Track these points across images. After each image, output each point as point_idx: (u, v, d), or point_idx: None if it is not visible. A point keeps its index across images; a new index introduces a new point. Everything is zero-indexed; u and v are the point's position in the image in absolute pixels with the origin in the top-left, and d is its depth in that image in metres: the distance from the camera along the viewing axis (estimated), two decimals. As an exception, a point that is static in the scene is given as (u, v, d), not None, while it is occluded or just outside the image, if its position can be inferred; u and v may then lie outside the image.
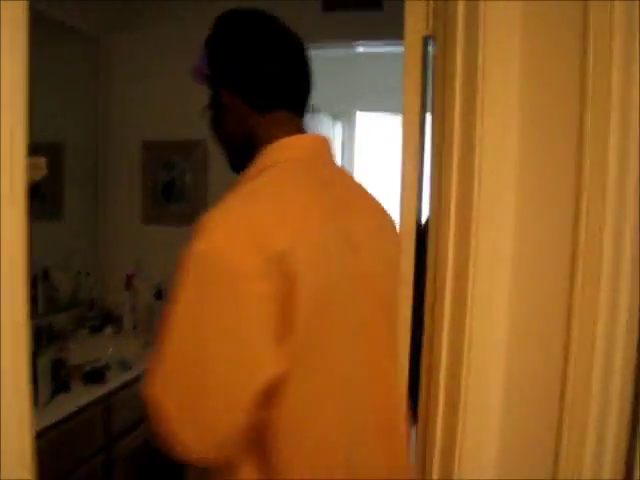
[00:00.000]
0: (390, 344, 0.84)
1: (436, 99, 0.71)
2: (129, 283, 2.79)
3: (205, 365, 0.86)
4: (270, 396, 0.85)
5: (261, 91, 1.02)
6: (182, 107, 2.76)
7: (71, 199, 2.77)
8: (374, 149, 4.27)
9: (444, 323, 0.64)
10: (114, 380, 2.13)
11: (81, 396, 1.98)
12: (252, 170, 1.01)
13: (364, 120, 4.23)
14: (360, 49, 3.13)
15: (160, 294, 2.78)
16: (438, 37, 0.73)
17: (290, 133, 1.01)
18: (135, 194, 2.86)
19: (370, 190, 1.14)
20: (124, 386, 2.16)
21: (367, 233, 1.03)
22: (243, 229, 0.87)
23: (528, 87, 0.61)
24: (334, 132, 3.99)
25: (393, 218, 1.10)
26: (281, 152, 1.00)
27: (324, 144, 1.07)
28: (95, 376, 2.08)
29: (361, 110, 4.21)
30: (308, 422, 0.91)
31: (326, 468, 0.92)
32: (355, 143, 4.24)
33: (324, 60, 3.61)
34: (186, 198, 2.80)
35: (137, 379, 2.22)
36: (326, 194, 0.98)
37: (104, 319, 2.77)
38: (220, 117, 1.12)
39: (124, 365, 2.25)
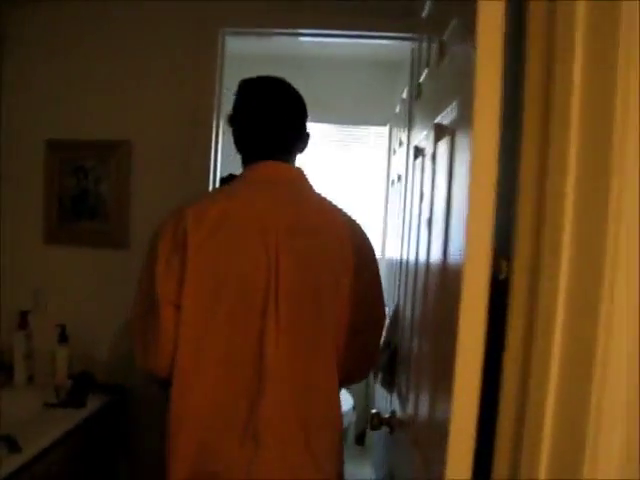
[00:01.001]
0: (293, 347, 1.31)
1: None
2: (24, 321, 2.16)
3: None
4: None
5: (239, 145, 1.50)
6: (100, 98, 2.19)
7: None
8: (319, 160, 3.95)
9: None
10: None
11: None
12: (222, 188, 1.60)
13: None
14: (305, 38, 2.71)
15: (65, 336, 2.17)
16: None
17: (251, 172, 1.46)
18: (35, 206, 2.24)
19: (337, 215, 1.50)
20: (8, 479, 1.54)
21: (284, 231, 1.34)
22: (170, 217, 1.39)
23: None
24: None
25: (342, 236, 1.43)
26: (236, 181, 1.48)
27: (276, 169, 1.45)
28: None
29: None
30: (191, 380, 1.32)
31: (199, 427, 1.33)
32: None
33: (266, 61, 3.24)
34: (101, 213, 2.21)
35: (30, 466, 1.62)
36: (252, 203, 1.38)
37: (-11, 367, 2.14)
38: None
39: (11, 444, 1.63)
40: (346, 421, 3.46)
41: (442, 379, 1.00)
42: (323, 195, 1.52)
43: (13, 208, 2.24)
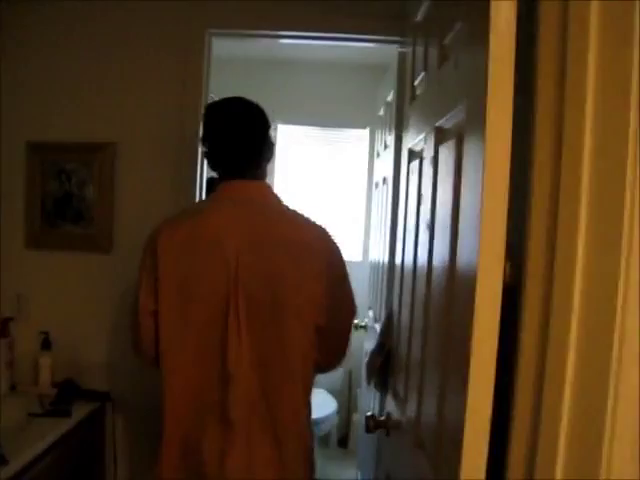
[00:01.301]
0: (238, 326, 1.46)
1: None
2: (5, 329, 2.11)
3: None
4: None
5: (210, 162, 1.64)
6: (84, 99, 2.15)
7: None
8: (297, 163, 3.96)
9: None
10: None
11: None
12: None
13: (287, 133, 3.89)
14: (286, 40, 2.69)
15: (48, 343, 2.12)
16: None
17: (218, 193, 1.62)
18: (16, 210, 2.18)
19: (302, 224, 1.61)
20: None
21: (251, 250, 1.48)
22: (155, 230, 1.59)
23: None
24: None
25: (318, 248, 1.56)
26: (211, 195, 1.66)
27: (245, 187, 1.59)
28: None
29: (284, 123, 3.83)
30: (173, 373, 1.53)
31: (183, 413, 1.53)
32: (275, 154, 3.85)
33: (249, 64, 3.19)
34: (85, 216, 2.16)
35: (18, 479, 1.58)
36: (218, 214, 1.54)
37: (-32, 377, 2.07)
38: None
39: (-4, 455, 1.59)
40: (329, 424, 3.46)
41: (452, 381, 1.01)
42: (290, 208, 1.63)
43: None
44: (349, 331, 1.67)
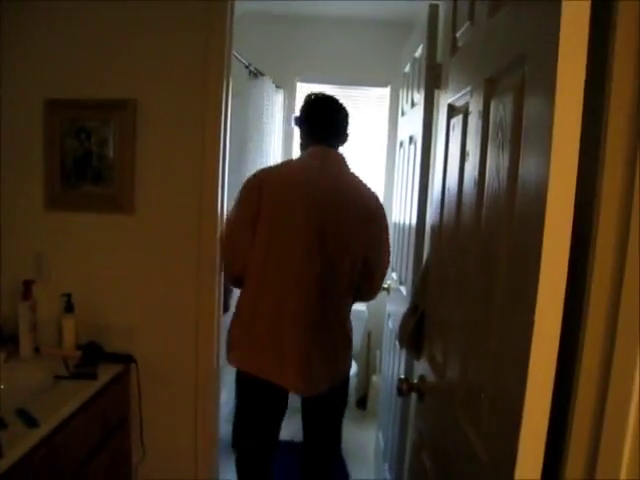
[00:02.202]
0: (317, 276, 2.01)
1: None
2: (28, 291, 2.08)
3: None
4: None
5: (304, 137, 2.23)
6: (104, 55, 2.07)
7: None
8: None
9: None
10: (15, 446, 1.44)
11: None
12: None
13: (307, 91, 3.79)
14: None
15: (71, 305, 2.09)
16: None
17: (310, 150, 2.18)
18: (36, 171, 2.12)
19: (364, 192, 2.19)
20: (29, 454, 1.48)
21: (325, 206, 2.03)
22: (258, 174, 2.12)
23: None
24: (275, 100, 3.41)
25: (371, 216, 2.14)
26: (301, 155, 2.22)
27: (328, 154, 2.16)
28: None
29: (302, 81, 3.74)
30: (260, 277, 2.03)
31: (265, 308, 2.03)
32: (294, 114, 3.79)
33: (269, 20, 3.14)
34: (106, 176, 2.10)
35: (49, 441, 1.56)
36: (308, 173, 2.09)
37: (-8, 339, 2.05)
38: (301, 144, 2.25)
39: (27, 418, 1.56)
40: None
41: (506, 344, 0.96)
42: (355, 173, 2.22)
43: (12, 173, 2.12)
44: (384, 275, 2.30)
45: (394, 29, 3.42)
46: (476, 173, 1.19)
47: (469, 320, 1.20)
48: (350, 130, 2.27)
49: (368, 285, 2.23)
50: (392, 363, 2.67)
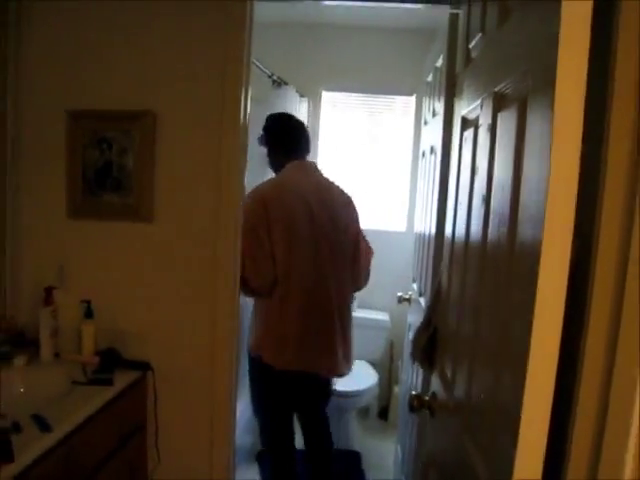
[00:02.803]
0: (330, 265, 2.44)
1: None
2: (49, 297, 2.12)
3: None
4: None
5: (279, 155, 2.56)
6: (124, 66, 2.10)
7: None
8: (340, 131, 3.87)
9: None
10: (26, 451, 1.46)
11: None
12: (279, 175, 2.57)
13: (331, 100, 3.80)
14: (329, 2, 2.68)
15: (90, 312, 2.12)
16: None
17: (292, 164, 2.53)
18: (58, 180, 2.16)
19: (336, 186, 2.63)
20: (40, 460, 1.50)
21: (320, 204, 2.44)
22: (256, 193, 2.38)
23: None
24: (299, 109, 3.41)
25: (347, 201, 2.62)
26: (286, 170, 2.51)
27: (307, 165, 2.60)
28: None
29: (327, 90, 3.74)
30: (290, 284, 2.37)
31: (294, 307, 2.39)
32: (320, 122, 3.79)
33: (292, 29, 3.15)
34: (126, 186, 2.13)
35: (61, 447, 1.58)
36: (299, 183, 2.45)
37: (15, 344, 2.09)
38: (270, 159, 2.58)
39: (41, 423, 1.59)
40: (370, 396, 3.43)
41: (510, 365, 0.93)
42: (329, 178, 2.63)
43: (35, 181, 2.17)
44: (370, 262, 2.69)
45: (419, 37, 3.40)
46: (484, 189, 1.17)
47: (474, 336, 1.17)
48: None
49: (357, 271, 2.62)
50: (411, 375, 2.64)
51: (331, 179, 2.60)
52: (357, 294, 3.75)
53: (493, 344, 1.02)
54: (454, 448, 1.28)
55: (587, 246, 0.86)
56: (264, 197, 2.32)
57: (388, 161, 3.88)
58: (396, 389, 3.71)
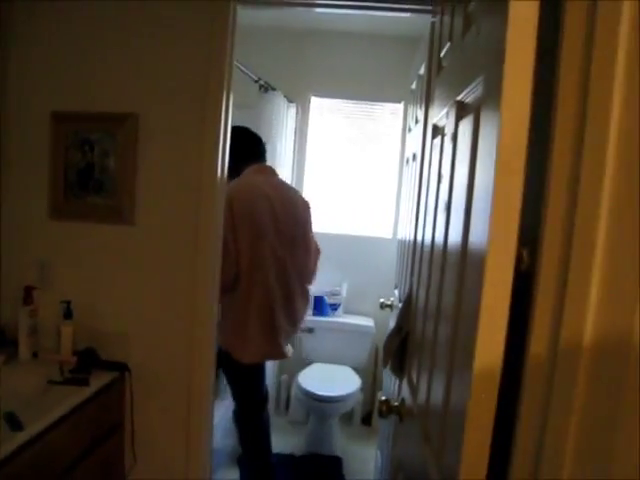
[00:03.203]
0: (291, 260, 2.72)
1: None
2: (29, 296, 2.13)
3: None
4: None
5: (238, 161, 2.66)
6: (107, 69, 2.12)
7: (-49, 184, 2.07)
8: (328, 135, 3.88)
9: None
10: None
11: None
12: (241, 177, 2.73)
13: (319, 106, 3.82)
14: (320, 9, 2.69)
15: (70, 312, 2.13)
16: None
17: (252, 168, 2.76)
18: (40, 181, 2.18)
19: (293, 187, 3.04)
20: (10, 458, 1.51)
21: (281, 202, 2.69)
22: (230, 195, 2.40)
23: None
24: (287, 114, 3.43)
25: (301, 201, 2.87)
26: (247, 172, 2.74)
27: (266, 168, 2.84)
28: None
29: (317, 96, 3.76)
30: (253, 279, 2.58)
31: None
32: (309, 128, 3.81)
33: (282, 35, 3.17)
34: (108, 188, 2.15)
35: (32, 445, 1.59)
36: (261, 183, 2.68)
37: (-7, 342, 2.11)
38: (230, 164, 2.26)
39: (13, 422, 1.60)
40: (353, 401, 3.44)
41: (458, 371, 0.95)
42: (285, 181, 3.01)
43: (17, 183, 2.19)
44: (317, 262, 2.99)
45: (408, 44, 3.43)
46: (446, 197, 1.18)
47: (434, 341, 1.19)
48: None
49: (310, 266, 2.90)
50: (391, 381, 2.65)
51: (288, 182, 2.95)
52: (343, 300, 3.80)
53: (446, 352, 1.04)
54: (415, 453, 1.29)
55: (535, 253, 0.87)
56: (229, 196, 2.37)
57: (376, 167, 3.90)
58: (380, 395, 3.72)
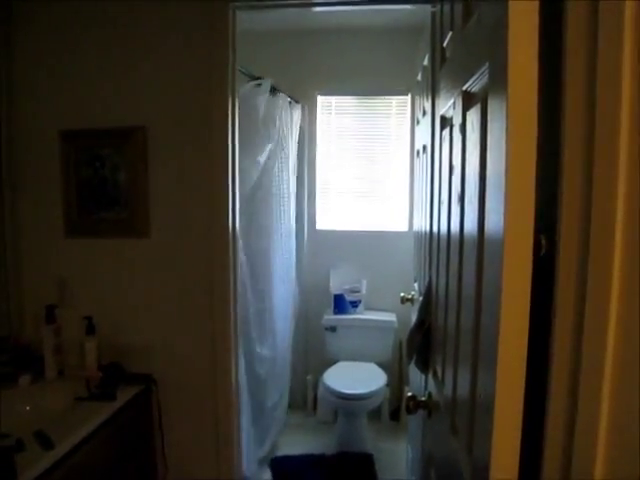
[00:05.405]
0: None
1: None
2: (51, 315, 2.14)
3: None
4: None
5: None
6: (111, 84, 2.13)
7: (-33, 209, 2.10)
8: (337, 133, 3.86)
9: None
10: (29, 468, 1.48)
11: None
12: None
13: (326, 104, 3.80)
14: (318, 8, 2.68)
15: (92, 328, 2.14)
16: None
17: None
18: (54, 200, 2.20)
19: None
20: (43, 477, 1.51)
21: None
22: None
23: None
24: (292, 115, 3.42)
25: None
26: None
27: None
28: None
29: (322, 94, 3.74)
30: None
31: None
32: (316, 127, 3.78)
33: (284, 36, 3.12)
34: (120, 201, 2.16)
35: (64, 462, 1.60)
36: None
37: (20, 361, 2.13)
38: None
39: (44, 440, 1.61)
40: (380, 398, 3.42)
41: (484, 364, 0.94)
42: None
43: (32, 201, 2.21)
44: None
45: (412, 35, 3.39)
46: (459, 188, 1.17)
47: (457, 332, 1.18)
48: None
49: None
50: (418, 375, 2.63)
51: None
52: (363, 296, 3.78)
53: (469, 344, 1.02)
54: (444, 448, 1.28)
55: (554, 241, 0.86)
56: None
57: (388, 161, 3.87)
58: (407, 390, 3.70)
